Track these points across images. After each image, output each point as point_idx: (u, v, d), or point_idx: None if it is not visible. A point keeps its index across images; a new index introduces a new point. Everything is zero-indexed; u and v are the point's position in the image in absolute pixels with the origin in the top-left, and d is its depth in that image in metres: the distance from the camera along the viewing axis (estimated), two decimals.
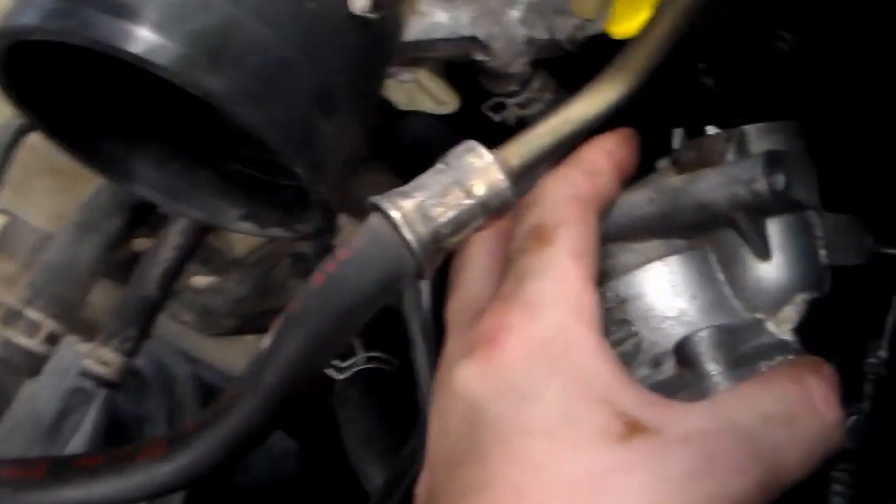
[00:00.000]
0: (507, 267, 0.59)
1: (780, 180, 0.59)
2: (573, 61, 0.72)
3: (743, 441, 0.53)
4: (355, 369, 1.04)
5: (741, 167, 0.60)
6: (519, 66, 0.70)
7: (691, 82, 0.83)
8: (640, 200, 0.64)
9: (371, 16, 0.57)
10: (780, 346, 0.62)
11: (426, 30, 0.67)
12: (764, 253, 0.62)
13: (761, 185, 0.59)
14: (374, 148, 1.07)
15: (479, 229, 0.58)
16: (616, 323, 0.64)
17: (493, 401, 0.54)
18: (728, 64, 0.84)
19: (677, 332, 0.62)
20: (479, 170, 0.56)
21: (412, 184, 0.57)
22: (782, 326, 0.62)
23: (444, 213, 0.55)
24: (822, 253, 0.64)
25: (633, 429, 0.52)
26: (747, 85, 0.84)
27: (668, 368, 0.62)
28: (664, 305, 0.63)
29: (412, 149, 0.97)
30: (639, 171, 0.65)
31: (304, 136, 0.56)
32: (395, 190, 0.56)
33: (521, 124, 0.74)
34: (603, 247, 0.63)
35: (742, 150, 0.63)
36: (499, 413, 0.53)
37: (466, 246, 0.65)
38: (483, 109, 0.76)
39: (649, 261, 0.64)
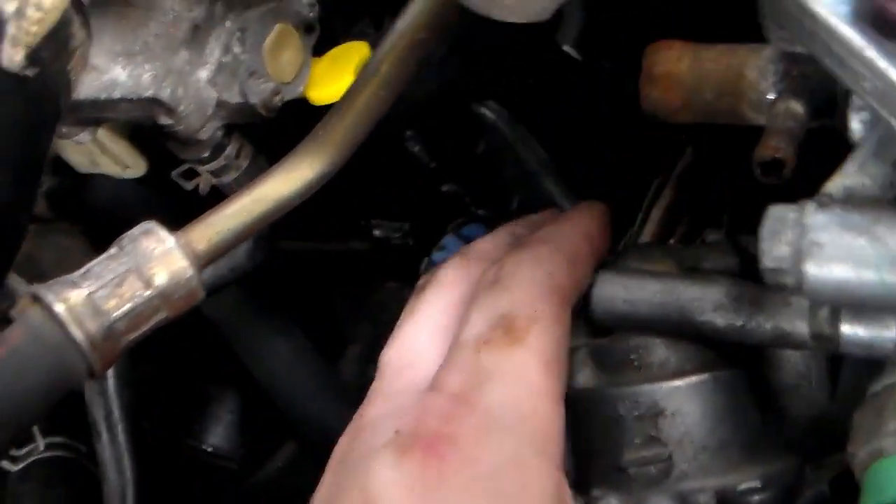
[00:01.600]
0: (460, 350, 0.50)
1: None
2: (271, 125, 0.66)
3: None
4: (32, 458, 0.94)
5: None
6: (210, 131, 0.63)
7: None
8: (705, 302, 0.54)
9: (27, 73, 0.48)
10: None
11: (103, 87, 0.60)
12: (832, 395, 0.55)
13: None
14: (60, 208, 0.98)
15: (163, 322, 0.51)
16: (643, 437, 0.54)
17: None
18: (435, 131, 0.81)
19: (714, 468, 0.54)
20: (158, 256, 0.49)
21: (81, 271, 0.50)
22: (821, 474, 0.55)
23: (118, 306, 0.49)
24: None
25: None
26: (455, 151, 0.82)
27: None
28: (705, 432, 0.54)
29: (104, 210, 0.88)
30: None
31: None
32: (62, 278, 0.49)
33: (216, 193, 0.68)
34: (642, 337, 0.55)
35: None
36: None
37: (423, 289, 0.57)
38: (173, 177, 0.68)
39: (694, 369, 0.55)
